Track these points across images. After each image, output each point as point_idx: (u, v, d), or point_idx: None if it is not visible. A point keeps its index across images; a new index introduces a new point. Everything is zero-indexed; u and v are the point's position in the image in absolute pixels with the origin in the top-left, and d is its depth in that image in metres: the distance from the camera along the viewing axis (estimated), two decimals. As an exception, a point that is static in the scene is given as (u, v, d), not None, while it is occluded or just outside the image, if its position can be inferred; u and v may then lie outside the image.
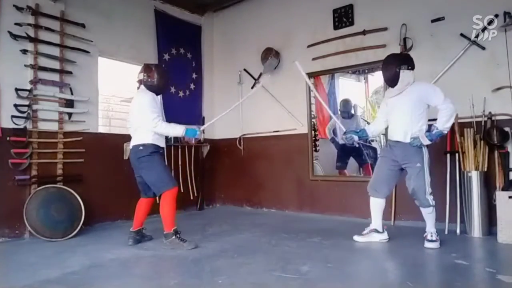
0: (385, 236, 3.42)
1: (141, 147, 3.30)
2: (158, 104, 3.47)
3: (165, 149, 3.53)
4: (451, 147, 3.83)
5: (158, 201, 3.43)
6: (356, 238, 3.44)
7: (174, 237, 3.25)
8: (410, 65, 3.19)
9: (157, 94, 3.45)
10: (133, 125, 3.39)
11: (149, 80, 3.37)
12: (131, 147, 3.39)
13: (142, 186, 3.47)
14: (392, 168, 3.34)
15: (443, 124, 3.08)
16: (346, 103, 5.65)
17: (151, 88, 3.38)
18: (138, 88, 3.45)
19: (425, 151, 3.18)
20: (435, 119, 3.16)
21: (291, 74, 5.18)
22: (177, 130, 3.33)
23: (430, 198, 3.17)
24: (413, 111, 3.17)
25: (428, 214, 3.20)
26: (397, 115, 3.28)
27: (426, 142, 3.13)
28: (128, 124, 3.58)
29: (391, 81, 3.23)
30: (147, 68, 3.42)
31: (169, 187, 3.29)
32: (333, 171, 5.41)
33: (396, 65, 3.17)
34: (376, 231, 3.42)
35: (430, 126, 3.20)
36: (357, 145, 3.45)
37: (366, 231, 3.46)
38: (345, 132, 3.59)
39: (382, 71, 3.33)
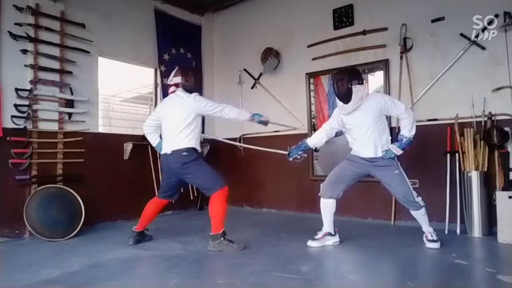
0: (337, 238, 3.38)
1: (185, 152, 3.21)
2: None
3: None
4: (451, 147, 3.83)
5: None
6: (310, 243, 3.31)
7: (222, 238, 3.16)
8: (360, 79, 3.16)
9: None
10: (172, 130, 3.28)
11: (187, 84, 3.35)
12: (169, 152, 3.26)
13: (169, 190, 3.42)
14: (357, 174, 3.31)
15: (409, 132, 3.10)
16: None
17: (190, 91, 3.35)
18: (173, 92, 3.39)
19: (395, 158, 3.19)
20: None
21: (291, 74, 5.19)
22: (243, 115, 3.41)
23: (419, 200, 3.16)
24: (377, 125, 3.16)
25: (422, 216, 3.19)
26: (361, 132, 3.21)
27: (399, 152, 3.13)
28: (149, 128, 3.51)
29: (345, 97, 3.17)
30: (185, 72, 3.40)
31: (221, 187, 3.23)
32: (333, 171, 5.39)
33: (347, 80, 3.12)
34: (330, 234, 3.36)
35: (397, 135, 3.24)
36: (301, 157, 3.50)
37: (319, 235, 3.36)
38: (288, 154, 3.53)
39: (334, 88, 3.24)
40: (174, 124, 3.28)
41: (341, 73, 3.26)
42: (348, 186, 3.37)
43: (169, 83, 3.44)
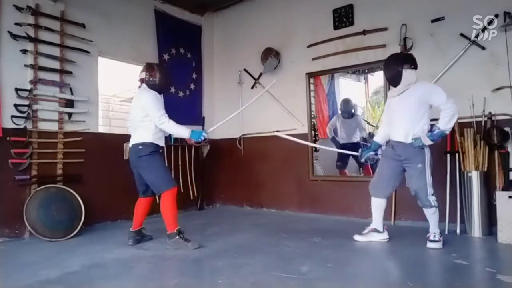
0: (385, 236, 3.42)
1: (140, 146, 3.30)
2: (162, 103, 3.48)
3: (165, 149, 3.53)
4: (451, 147, 3.83)
5: (158, 201, 3.42)
6: (356, 237, 3.45)
7: (177, 237, 3.24)
8: (413, 64, 3.19)
9: (159, 93, 3.46)
10: (133, 124, 3.40)
11: (151, 79, 3.39)
12: (130, 145, 3.38)
13: (140, 185, 3.46)
14: (395, 168, 3.32)
15: (445, 124, 3.05)
16: (346, 102, 5.65)
17: (153, 87, 3.39)
18: (139, 87, 3.46)
19: (427, 151, 3.17)
20: (436, 119, 3.16)
21: (291, 74, 5.19)
22: (183, 130, 3.33)
23: (432, 199, 3.15)
24: (415, 111, 3.16)
25: (431, 215, 3.19)
26: (398, 115, 3.28)
27: (428, 142, 3.12)
28: (128, 123, 3.59)
29: (393, 80, 3.23)
30: (149, 67, 3.43)
31: (169, 187, 3.29)
32: (333, 171, 5.40)
33: (399, 64, 3.17)
34: (376, 230, 3.43)
35: (432, 126, 3.20)
36: (371, 155, 3.51)
37: (366, 231, 3.46)
38: (360, 155, 3.60)
39: (384, 70, 3.34)
40: (134, 118, 3.37)
41: (393, 56, 3.34)
42: (395, 181, 3.38)
43: (138, 77, 3.49)
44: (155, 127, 3.31)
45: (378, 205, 3.43)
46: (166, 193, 3.28)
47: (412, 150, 3.17)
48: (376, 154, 3.58)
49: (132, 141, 3.38)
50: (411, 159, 3.19)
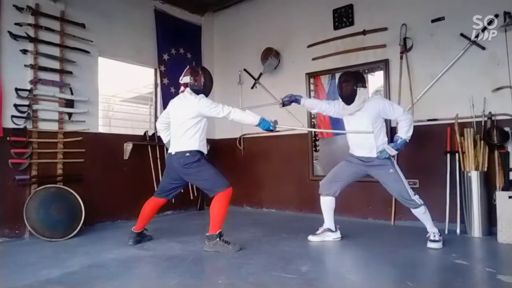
0: (338, 235, 3.50)
1: (187, 154, 3.20)
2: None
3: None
4: (451, 147, 3.83)
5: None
6: (310, 238, 3.50)
7: (218, 239, 3.15)
8: (364, 83, 3.32)
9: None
10: (178, 130, 3.28)
11: (196, 84, 3.29)
12: (173, 152, 3.27)
13: (165, 189, 3.41)
14: (357, 172, 3.41)
15: (406, 133, 3.21)
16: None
17: (198, 92, 3.29)
18: (182, 91, 3.36)
19: (391, 157, 3.27)
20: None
21: (291, 74, 5.19)
22: (251, 117, 3.20)
23: (416, 198, 3.20)
24: (374, 127, 3.25)
25: (422, 215, 3.22)
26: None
27: (393, 152, 3.24)
28: (160, 126, 3.56)
29: (348, 98, 3.30)
30: (193, 71, 3.34)
31: (225, 188, 3.20)
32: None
33: (353, 83, 3.25)
34: (330, 230, 3.50)
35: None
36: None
37: (320, 231, 3.53)
38: (283, 104, 3.65)
39: (339, 89, 3.36)
40: (179, 124, 3.28)
41: (347, 75, 3.41)
42: (346, 185, 3.48)
43: (180, 82, 3.39)
44: (201, 134, 3.26)
45: (329, 204, 3.51)
46: (222, 194, 3.19)
47: (378, 161, 3.26)
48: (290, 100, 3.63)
49: (177, 149, 3.26)
50: (380, 169, 3.26)
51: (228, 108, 3.19)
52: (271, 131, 3.26)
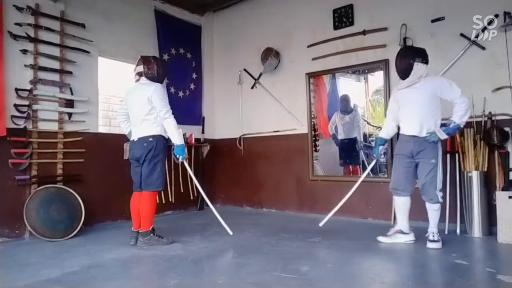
0: (411, 237, 3.31)
1: (151, 139, 3.32)
2: (167, 96, 3.52)
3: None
4: (451, 147, 3.83)
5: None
6: (380, 238, 3.37)
7: (152, 234, 3.33)
8: (425, 59, 3.18)
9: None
10: (137, 118, 3.38)
11: (149, 72, 3.41)
12: (136, 139, 3.37)
13: (139, 179, 3.43)
14: (408, 165, 3.28)
15: (460, 118, 3.07)
16: (343, 98, 5.62)
17: (153, 79, 3.41)
18: (137, 81, 3.48)
19: (440, 147, 3.17)
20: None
21: (291, 74, 5.19)
22: (179, 136, 3.39)
23: (439, 194, 3.17)
24: (429, 105, 3.16)
25: (434, 211, 3.18)
26: (411, 108, 3.23)
27: (444, 136, 3.11)
28: (120, 117, 3.60)
29: (404, 72, 3.21)
30: (146, 60, 3.45)
31: (160, 188, 3.39)
32: (333, 171, 5.39)
33: (410, 57, 3.16)
34: (402, 232, 3.33)
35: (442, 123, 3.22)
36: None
37: (391, 232, 3.39)
38: (375, 156, 3.60)
39: (396, 62, 3.29)
40: (137, 110, 3.38)
41: (406, 49, 3.35)
42: (412, 177, 3.31)
43: (133, 71, 3.50)
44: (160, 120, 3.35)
45: (401, 204, 3.33)
46: (153, 193, 3.37)
47: (426, 145, 3.15)
48: (384, 147, 3.61)
49: (139, 135, 3.36)
50: (424, 154, 3.16)
51: (171, 115, 3.34)
52: (177, 158, 3.47)
